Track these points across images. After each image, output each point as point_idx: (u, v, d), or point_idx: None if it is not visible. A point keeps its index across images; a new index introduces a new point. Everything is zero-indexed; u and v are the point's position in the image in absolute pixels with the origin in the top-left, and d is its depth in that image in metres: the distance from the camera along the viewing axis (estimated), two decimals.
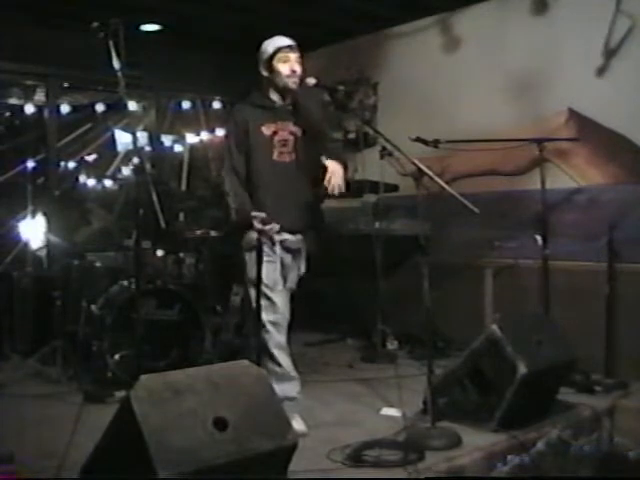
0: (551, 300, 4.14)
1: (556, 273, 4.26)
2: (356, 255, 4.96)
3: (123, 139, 5.58)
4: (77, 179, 6.29)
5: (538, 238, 4.21)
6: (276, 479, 2.34)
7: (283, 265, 3.39)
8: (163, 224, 4.68)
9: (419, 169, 3.18)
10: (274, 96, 3.44)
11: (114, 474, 2.14)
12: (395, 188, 5.24)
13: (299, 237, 3.43)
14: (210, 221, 4.83)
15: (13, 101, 6.72)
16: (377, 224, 4.90)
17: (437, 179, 3.21)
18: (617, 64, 4.53)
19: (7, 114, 7.00)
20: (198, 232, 4.77)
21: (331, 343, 5.52)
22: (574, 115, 4.74)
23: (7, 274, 5.13)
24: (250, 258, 3.27)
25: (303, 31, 4.77)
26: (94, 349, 4.11)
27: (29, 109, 6.52)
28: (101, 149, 6.87)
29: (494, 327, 3.33)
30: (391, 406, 3.66)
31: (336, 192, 3.27)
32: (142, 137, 6.13)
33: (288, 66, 3.35)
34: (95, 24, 2.95)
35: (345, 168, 3.38)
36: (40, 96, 6.28)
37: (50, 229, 4.86)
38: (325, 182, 3.27)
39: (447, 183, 3.36)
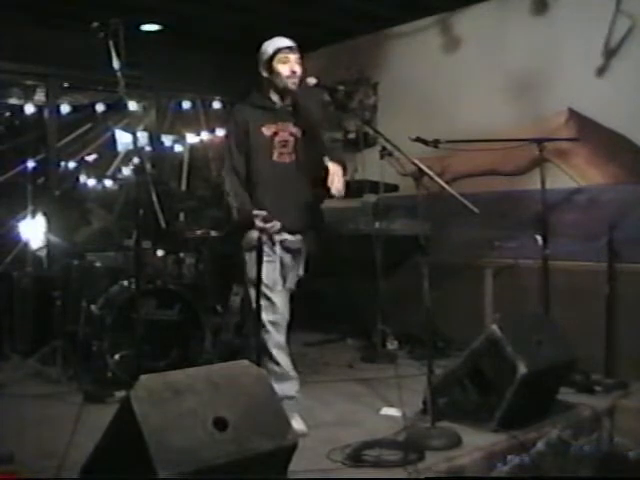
0: (551, 300, 4.14)
1: (556, 273, 4.26)
2: (356, 255, 4.96)
3: (123, 139, 5.59)
4: (77, 179, 6.29)
5: (538, 238, 4.21)
6: (276, 479, 2.34)
7: (283, 265, 3.39)
8: (163, 224, 4.68)
9: (419, 169, 3.18)
10: (274, 97, 3.44)
11: (114, 474, 2.14)
12: (395, 188, 5.24)
13: (299, 237, 3.44)
14: (210, 221, 4.83)
15: (13, 101, 6.72)
16: (377, 224, 4.90)
17: (437, 179, 3.21)
18: (617, 64, 4.53)
19: (7, 114, 7.00)
20: (198, 232, 4.77)
21: (331, 343, 5.52)
22: (574, 115, 4.74)
23: (7, 274, 5.13)
24: (250, 258, 3.27)
25: (303, 31, 4.77)
26: (94, 349, 4.11)
27: (29, 109, 6.52)
28: (101, 149, 6.87)
29: (494, 327, 3.33)
30: (391, 406, 3.66)
31: (338, 194, 3.28)
32: (142, 137, 6.13)
33: (288, 67, 3.35)
34: (95, 24, 2.95)
35: (344, 169, 3.39)
36: (40, 96, 6.28)
37: (50, 229, 4.86)
38: (329, 183, 3.27)
39: (447, 183, 3.36)
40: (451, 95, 5.38)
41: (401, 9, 5.54)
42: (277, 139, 3.39)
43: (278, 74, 3.36)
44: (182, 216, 4.86)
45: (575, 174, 4.77)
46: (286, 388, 3.23)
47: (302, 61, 3.41)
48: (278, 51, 3.35)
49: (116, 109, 6.64)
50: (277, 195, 3.34)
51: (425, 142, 4.30)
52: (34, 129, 6.43)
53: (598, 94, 4.58)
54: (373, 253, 4.78)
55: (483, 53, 5.25)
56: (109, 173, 6.58)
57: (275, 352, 3.26)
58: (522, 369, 3.18)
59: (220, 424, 2.13)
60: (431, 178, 3.19)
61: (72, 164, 6.78)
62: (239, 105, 3.52)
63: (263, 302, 3.17)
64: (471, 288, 5.15)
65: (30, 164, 6.50)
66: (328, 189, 3.28)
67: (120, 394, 3.54)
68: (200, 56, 6.33)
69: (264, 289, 3.20)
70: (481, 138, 4.65)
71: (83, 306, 4.33)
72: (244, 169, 3.36)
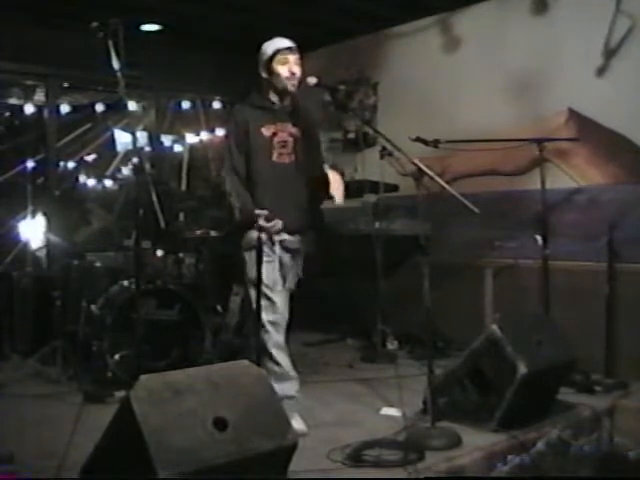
0: (551, 300, 4.14)
1: (556, 273, 4.26)
2: (356, 255, 4.96)
3: (123, 139, 5.58)
4: (77, 179, 6.30)
5: (538, 238, 4.21)
6: (276, 479, 2.34)
7: (282, 265, 3.40)
8: (163, 224, 4.68)
9: (419, 169, 3.18)
10: (273, 97, 3.44)
11: (114, 474, 2.14)
12: (395, 188, 5.24)
13: (298, 237, 3.44)
14: (210, 221, 4.83)
15: (13, 101, 6.72)
16: (377, 224, 4.90)
17: (437, 179, 3.21)
18: (617, 64, 4.53)
19: (7, 114, 7.00)
20: (198, 232, 4.77)
21: (331, 343, 5.52)
22: (574, 115, 4.74)
23: (7, 274, 5.12)
24: (250, 258, 3.27)
25: (303, 31, 4.78)
26: (94, 349, 4.11)
27: (29, 109, 6.52)
28: (101, 149, 6.87)
29: (494, 327, 3.33)
30: (391, 406, 3.66)
31: (339, 201, 3.36)
32: (142, 137, 6.12)
33: (287, 68, 3.35)
34: (95, 24, 2.94)
35: (342, 175, 3.43)
36: (40, 96, 6.28)
37: (50, 229, 4.86)
38: (332, 192, 3.35)
39: (447, 183, 3.36)
40: (451, 95, 5.38)
41: (401, 9, 5.54)
42: (276, 139, 3.40)
43: (277, 75, 3.36)
44: (182, 216, 4.85)
45: (575, 174, 4.77)
46: (286, 388, 3.23)
47: (302, 62, 3.41)
48: (277, 52, 3.35)
49: (116, 109, 6.64)
50: (277, 195, 3.35)
51: (425, 142, 4.30)
52: (34, 129, 6.43)
53: (598, 94, 4.58)
54: (373, 253, 4.77)
55: (483, 53, 5.25)
56: (109, 173, 6.58)
57: (275, 352, 3.26)
58: (522, 369, 3.18)
59: (220, 424, 2.13)
60: (431, 178, 3.19)
61: (72, 164, 6.78)
62: (239, 105, 3.52)
63: (263, 302, 3.17)
64: (471, 288, 5.15)
65: (30, 164, 6.50)
66: (331, 197, 3.36)
67: (120, 394, 3.54)
68: (200, 56, 6.33)
69: (264, 289, 3.20)
70: (481, 138, 4.65)
71: (83, 306, 4.33)
72: (244, 169, 3.36)
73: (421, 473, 2.74)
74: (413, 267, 4.03)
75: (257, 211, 3.17)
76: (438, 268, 3.38)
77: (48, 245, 5.01)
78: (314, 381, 4.15)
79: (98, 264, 4.73)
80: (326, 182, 3.37)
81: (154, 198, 4.61)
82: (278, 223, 3.24)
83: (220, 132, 6.78)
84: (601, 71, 4.61)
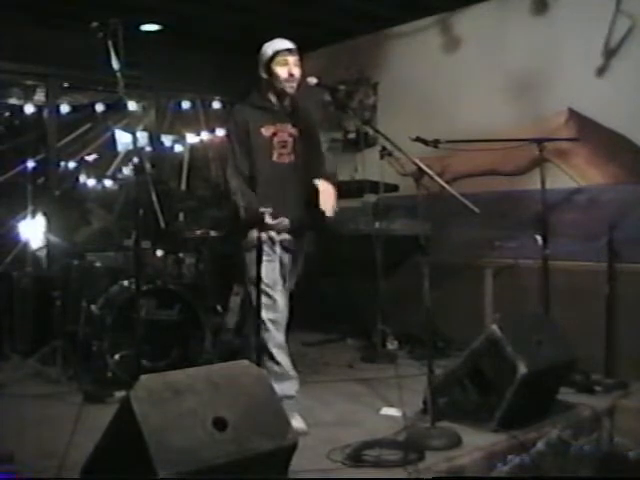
0: (551, 300, 4.14)
1: (556, 273, 4.26)
2: (356, 255, 4.96)
3: (123, 139, 5.59)
4: (77, 179, 6.30)
5: (538, 238, 4.21)
6: (276, 479, 2.34)
7: (282, 265, 3.40)
8: (163, 224, 4.68)
9: (419, 169, 3.18)
10: (273, 98, 3.45)
11: (114, 474, 2.14)
12: (395, 188, 5.24)
13: (298, 237, 3.45)
14: (210, 221, 4.83)
15: (13, 101, 6.72)
16: (377, 224, 4.90)
17: (437, 178, 3.21)
18: (617, 64, 4.53)
19: (7, 114, 7.00)
20: (198, 232, 4.77)
21: (331, 343, 5.51)
22: (574, 115, 4.74)
23: (7, 274, 5.12)
24: (250, 258, 3.27)
25: (303, 31, 4.79)
26: (94, 349, 4.11)
27: (29, 109, 6.52)
28: (101, 149, 6.87)
29: (494, 327, 3.33)
30: (391, 406, 3.66)
31: (330, 213, 3.32)
32: (142, 137, 6.13)
33: (286, 69, 3.35)
34: (94, 24, 2.94)
35: (334, 184, 3.42)
36: (40, 96, 6.28)
37: (50, 229, 4.86)
38: (321, 205, 3.31)
39: (447, 183, 3.36)
40: (451, 95, 5.38)
41: (401, 9, 5.54)
42: (276, 140, 3.40)
43: (277, 76, 3.36)
44: (182, 216, 4.85)
45: (575, 174, 4.77)
46: (286, 388, 3.23)
47: (302, 62, 3.41)
48: (277, 53, 3.36)
49: (116, 109, 6.63)
50: (277, 195, 3.34)
51: (425, 142, 4.30)
52: (34, 129, 6.43)
53: (598, 94, 4.58)
54: (373, 253, 4.77)
55: (483, 53, 5.25)
56: (109, 173, 6.58)
57: (275, 351, 3.26)
58: (522, 369, 3.18)
59: (220, 424, 2.13)
60: (431, 178, 3.19)
61: (72, 164, 6.78)
62: (239, 105, 3.53)
63: (264, 300, 3.18)
64: (471, 288, 5.15)
65: (30, 164, 6.50)
66: (322, 213, 3.31)
67: (120, 394, 3.54)
68: (200, 56, 6.33)
69: (265, 287, 3.20)
70: (481, 138, 4.65)
71: (83, 306, 4.33)
72: (247, 168, 3.37)
73: (421, 473, 2.73)
74: (413, 267, 4.03)
75: (262, 209, 3.17)
76: (438, 268, 3.38)
77: (48, 245, 5.01)
78: (314, 381, 4.15)
79: (98, 264, 4.72)
80: (317, 197, 3.33)
81: (154, 198, 4.61)
82: (284, 220, 3.25)
83: (220, 132, 6.78)
84: (601, 71, 4.61)
